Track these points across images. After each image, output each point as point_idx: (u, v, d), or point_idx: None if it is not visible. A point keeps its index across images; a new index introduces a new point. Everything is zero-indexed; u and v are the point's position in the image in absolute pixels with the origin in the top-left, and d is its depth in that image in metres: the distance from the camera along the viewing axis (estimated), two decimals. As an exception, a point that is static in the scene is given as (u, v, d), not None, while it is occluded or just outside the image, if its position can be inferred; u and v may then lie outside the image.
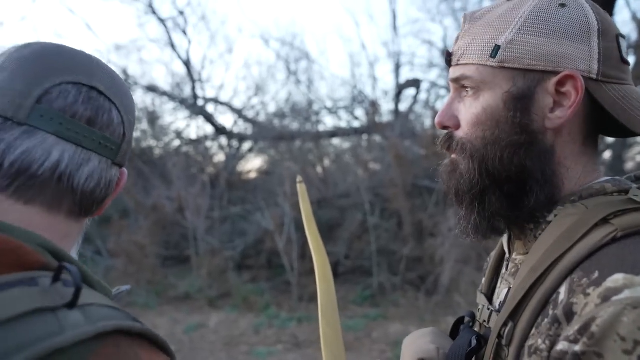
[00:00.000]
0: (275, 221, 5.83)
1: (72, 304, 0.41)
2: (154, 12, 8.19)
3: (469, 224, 0.65)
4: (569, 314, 0.49)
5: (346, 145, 8.27)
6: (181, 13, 8.32)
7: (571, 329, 0.48)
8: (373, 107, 7.38)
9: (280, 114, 8.59)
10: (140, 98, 9.00)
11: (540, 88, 0.60)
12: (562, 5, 0.60)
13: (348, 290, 5.72)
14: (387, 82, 13.46)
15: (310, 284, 5.20)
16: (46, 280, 0.43)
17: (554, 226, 0.59)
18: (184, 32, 8.44)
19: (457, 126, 0.66)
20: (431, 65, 7.96)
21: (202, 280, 5.91)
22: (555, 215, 0.61)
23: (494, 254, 0.79)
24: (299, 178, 1.16)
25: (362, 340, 4.51)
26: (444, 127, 0.67)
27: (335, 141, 8.26)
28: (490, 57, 0.60)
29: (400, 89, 8.06)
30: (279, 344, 4.56)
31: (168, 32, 8.39)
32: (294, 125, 8.09)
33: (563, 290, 0.52)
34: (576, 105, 0.59)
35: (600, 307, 0.47)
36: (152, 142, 8.99)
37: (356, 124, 7.89)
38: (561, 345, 0.49)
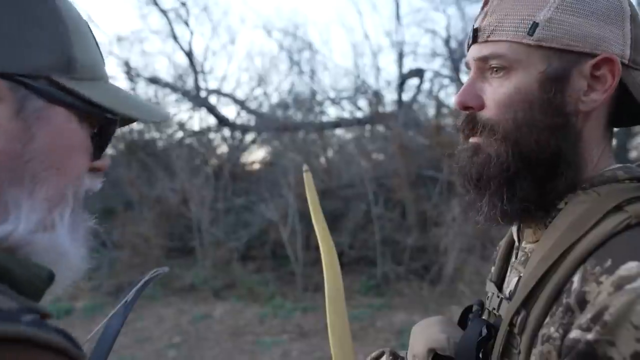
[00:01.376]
0: (280, 212, 5.84)
1: None
2: (155, 3, 8.15)
3: (495, 210, 0.62)
4: (582, 302, 0.49)
5: (349, 135, 8.25)
6: (183, 4, 8.28)
7: (584, 317, 0.48)
8: (376, 97, 7.35)
9: (283, 105, 8.57)
10: (143, 90, 9.00)
11: (576, 70, 0.58)
12: None
13: (352, 280, 5.74)
14: (390, 72, 13.40)
15: (315, 274, 5.21)
16: None
17: (565, 214, 0.58)
18: (186, 23, 8.41)
19: (481, 107, 0.63)
20: (434, 54, 7.91)
21: (206, 271, 5.94)
22: (566, 203, 0.60)
23: (503, 242, 0.78)
24: (305, 167, 1.16)
25: (367, 329, 4.53)
26: (466, 108, 0.64)
27: (339, 132, 8.24)
28: (528, 34, 0.58)
29: (403, 78, 8.01)
30: (284, 334, 4.58)
31: (170, 24, 8.36)
32: (297, 116, 8.07)
33: (576, 278, 0.51)
34: (611, 90, 0.58)
35: (613, 296, 0.46)
36: (155, 134, 8.99)
37: (359, 115, 7.86)
38: (574, 333, 0.48)
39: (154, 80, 8.62)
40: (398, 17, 8.00)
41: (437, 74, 7.92)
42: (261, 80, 8.87)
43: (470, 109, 0.64)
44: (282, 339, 4.48)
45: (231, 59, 13.61)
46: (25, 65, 0.43)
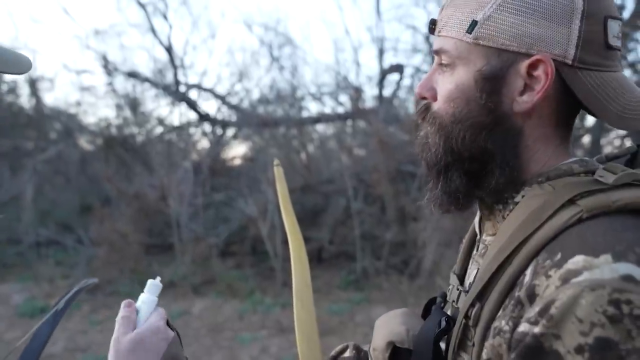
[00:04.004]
0: (259, 208, 5.82)
1: None
2: (133, -4, 8.01)
3: (433, 196, 0.66)
4: (532, 296, 0.49)
5: (330, 131, 8.26)
6: (161, -3, 8.16)
7: (532, 311, 0.48)
8: (356, 92, 7.36)
9: (264, 100, 8.53)
10: (122, 84, 8.85)
11: (513, 69, 0.58)
12: None
13: (332, 275, 5.75)
14: (371, 67, 13.42)
15: (294, 270, 5.20)
16: None
17: (521, 207, 0.59)
18: (165, 17, 8.29)
19: (435, 98, 0.64)
20: (415, 50, 7.94)
21: (185, 268, 5.89)
22: (523, 196, 0.60)
23: (467, 235, 0.78)
24: (276, 161, 1.16)
25: (346, 324, 4.55)
26: (423, 98, 0.66)
27: (320, 127, 8.24)
28: (467, 32, 0.58)
29: (383, 74, 8.04)
30: (263, 330, 4.58)
31: (148, 17, 8.23)
32: (278, 112, 8.04)
33: (528, 272, 0.52)
34: (544, 91, 0.57)
35: (559, 289, 0.46)
36: (134, 129, 8.86)
37: (340, 110, 7.87)
38: (522, 327, 0.48)
39: (132, 75, 8.49)
40: (379, 12, 8.02)
41: (417, 70, 7.96)
42: (242, 76, 8.81)
43: (426, 99, 0.66)
44: (261, 335, 4.48)
45: (212, 54, 13.50)
46: None
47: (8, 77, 9.06)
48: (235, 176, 7.39)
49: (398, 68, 8.00)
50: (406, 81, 8.11)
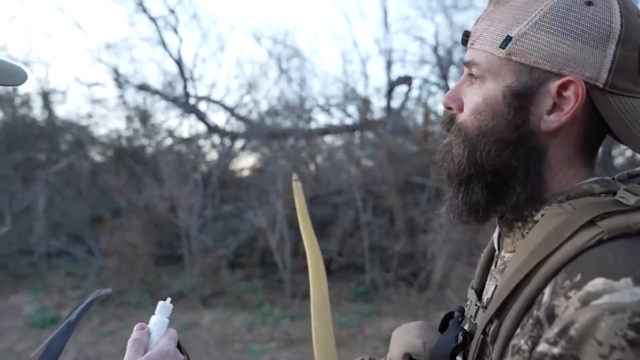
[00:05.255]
0: (268, 219, 5.83)
1: None
2: (144, 11, 8.15)
3: (453, 206, 0.66)
4: (551, 316, 0.49)
5: (339, 142, 8.29)
6: (172, 11, 8.29)
7: (551, 331, 0.48)
8: (365, 104, 7.40)
9: (272, 112, 8.59)
10: (132, 97, 8.96)
11: (543, 88, 0.58)
12: (589, 4, 0.57)
13: (341, 287, 5.74)
14: (379, 79, 13.48)
15: (303, 282, 5.21)
16: None
17: (541, 226, 0.59)
18: (175, 31, 8.41)
19: (460, 109, 0.65)
20: (423, 61, 7.99)
21: (195, 279, 5.91)
22: (543, 215, 0.60)
23: (485, 251, 0.79)
24: (294, 176, 1.18)
25: (355, 336, 4.53)
26: (449, 108, 0.66)
27: (328, 138, 8.28)
28: (500, 47, 0.58)
29: (391, 86, 8.08)
30: (272, 342, 4.57)
31: (159, 31, 8.35)
32: (287, 123, 8.09)
33: (547, 291, 0.52)
34: (573, 112, 0.57)
35: (579, 311, 0.46)
36: (144, 141, 8.95)
37: (348, 121, 7.91)
38: (541, 347, 0.49)
39: (143, 87, 8.59)
40: (386, 24, 8.08)
41: (425, 81, 8.00)
42: (251, 88, 8.89)
43: (452, 109, 0.66)
44: (270, 347, 4.47)
45: (221, 66, 13.61)
46: None
47: (21, 90, 9.20)
48: (244, 188, 7.42)
49: (406, 79, 8.04)
50: (414, 92, 8.16)
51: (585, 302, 0.47)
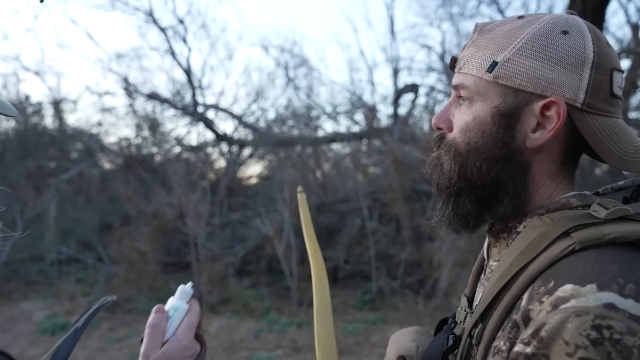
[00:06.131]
0: (275, 227, 5.87)
1: None
2: (154, 22, 8.28)
3: (444, 217, 0.71)
4: (526, 319, 0.54)
5: (346, 150, 8.33)
6: (181, 22, 8.41)
7: (526, 333, 0.52)
8: (372, 112, 7.44)
9: (280, 120, 8.66)
10: (142, 105, 9.09)
11: (527, 108, 0.63)
12: (565, 33, 0.63)
13: (348, 295, 5.75)
14: (386, 87, 13.53)
15: (310, 290, 5.19)
16: None
17: (523, 237, 0.64)
18: (184, 41, 8.53)
19: (450, 129, 0.70)
20: (430, 69, 8.02)
21: (203, 287, 5.95)
22: (525, 227, 0.65)
23: (477, 260, 0.84)
24: (299, 188, 1.22)
25: (362, 344, 4.54)
26: (439, 128, 0.72)
27: (335, 146, 8.32)
28: (487, 71, 0.64)
29: (399, 93, 8.12)
30: (279, 349, 4.59)
31: (168, 41, 8.48)
32: (294, 131, 8.15)
33: (525, 297, 0.56)
34: (556, 130, 0.62)
35: (550, 314, 0.51)
36: (153, 150, 9.05)
37: (356, 129, 7.95)
38: (517, 347, 0.53)
39: (152, 96, 8.71)
40: (393, 33, 8.14)
41: (432, 89, 8.02)
42: (258, 96, 8.98)
43: (442, 129, 0.71)
44: (277, 354, 4.49)
45: (229, 75, 13.76)
46: None
47: (34, 100, 9.36)
48: (251, 196, 7.47)
49: (413, 88, 8.07)
50: (421, 100, 8.19)
51: (555, 306, 0.51)
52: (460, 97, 0.68)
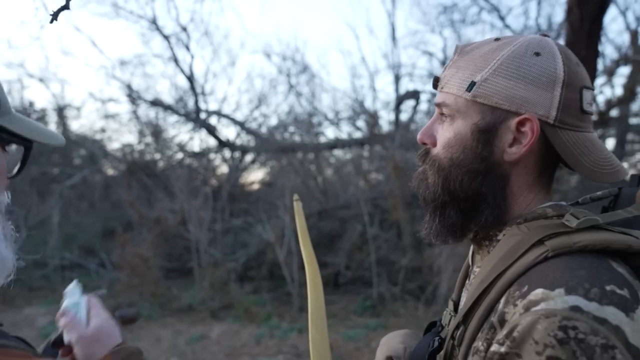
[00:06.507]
0: (276, 233, 5.90)
1: None
2: (157, 29, 8.36)
3: (431, 228, 0.75)
4: (502, 321, 0.58)
5: (347, 156, 8.37)
6: (184, 29, 8.49)
7: (501, 334, 0.56)
8: (373, 118, 7.48)
9: (282, 126, 8.71)
10: (144, 112, 9.15)
11: (504, 125, 0.67)
12: (537, 54, 0.67)
13: (349, 301, 5.77)
14: (388, 93, 13.58)
15: (311, 295, 5.23)
16: None
17: (501, 245, 0.68)
18: (187, 48, 8.60)
19: (434, 144, 0.74)
20: (431, 75, 8.05)
21: (204, 292, 5.98)
22: (504, 235, 0.69)
23: (463, 266, 0.88)
24: (295, 196, 1.26)
25: (362, 350, 4.56)
26: (424, 143, 0.76)
27: (337, 152, 8.36)
28: (466, 90, 0.68)
29: (400, 100, 8.16)
30: (279, 354, 4.60)
31: (171, 48, 8.56)
32: (296, 137, 8.20)
33: (502, 300, 0.60)
34: (530, 145, 0.66)
35: (522, 316, 0.55)
36: (155, 155, 9.11)
37: (357, 135, 7.99)
38: (493, 347, 0.57)
39: (155, 103, 8.78)
40: (394, 39, 8.20)
41: (433, 95, 8.03)
42: (260, 102, 9.04)
43: (426, 144, 0.76)
44: (278, 360, 4.51)
45: (231, 81, 13.84)
46: None
47: (38, 106, 9.44)
48: (253, 201, 7.51)
49: (414, 94, 8.12)
50: (422, 106, 8.22)
51: (527, 308, 0.56)
52: (442, 114, 0.73)
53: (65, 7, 0.85)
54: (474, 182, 0.69)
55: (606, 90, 6.51)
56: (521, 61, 0.67)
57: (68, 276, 6.79)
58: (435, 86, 0.75)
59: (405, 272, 5.58)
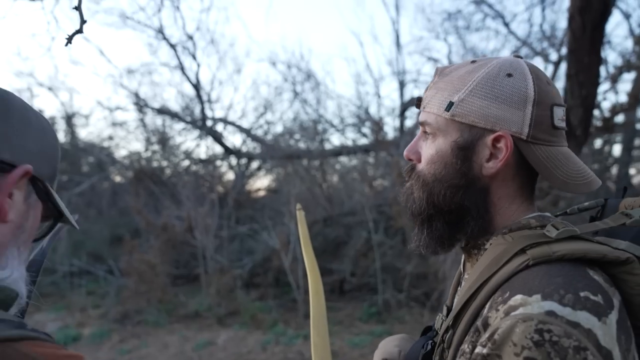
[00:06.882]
0: (282, 239, 5.94)
1: None
2: (164, 38, 8.47)
3: (421, 241, 0.79)
4: (485, 325, 0.62)
5: (352, 163, 8.41)
6: (190, 38, 8.59)
7: (484, 337, 0.61)
8: (378, 125, 7.52)
9: (287, 133, 8.77)
10: (151, 120, 9.25)
11: (481, 141, 0.72)
12: (509, 75, 0.72)
13: (354, 308, 5.79)
14: (393, 99, 13.63)
15: (317, 301, 5.24)
16: None
17: (487, 253, 0.72)
18: (193, 56, 8.70)
19: (419, 160, 0.79)
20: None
21: (211, 299, 6.02)
22: (490, 244, 0.74)
23: (456, 274, 0.92)
24: (298, 205, 1.31)
25: (367, 356, 4.57)
26: (410, 159, 0.81)
27: (342, 159, 8.40)
28: (445, 110, 0.73)
29: (405, 106, 8.20)
30: (285, 361, 4.63)
31: (178, 56, 8.66)
32: (301, 144, 8.25)
33: (487, 305, 0.65)
34: (505, 160, 0.71)
35: (502, 320, 0.59)
36: (162, 163, 9.20)
37: (362, 142, 8.03)
38: (477, 349, 0.61)
39: (162, 111, 8.88)
40: (399, 46, 8.25)
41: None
42: (266, 109, 9.11)
43: (412, 160, 0.81)
44: (283, 366, 4.53)
45: (237, 89, 13.95)
46: (40, 172, 0.65)
47: (46, 114, 9.57)
48: (259, 208, 7.56)
49: (419, 100, 8.14)
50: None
51: (507, 313, 0.60)
52: (425, 132, 0.78)
53: (79, 31, 0.91)
54: (456, 195, 0.74)
55: (610, 96, 6.53)
56: (494, 82, 0.72)
57: (77, 282, 6.86)
58: (417, 106, 0.80)
59: (410, 278, 5.59)
